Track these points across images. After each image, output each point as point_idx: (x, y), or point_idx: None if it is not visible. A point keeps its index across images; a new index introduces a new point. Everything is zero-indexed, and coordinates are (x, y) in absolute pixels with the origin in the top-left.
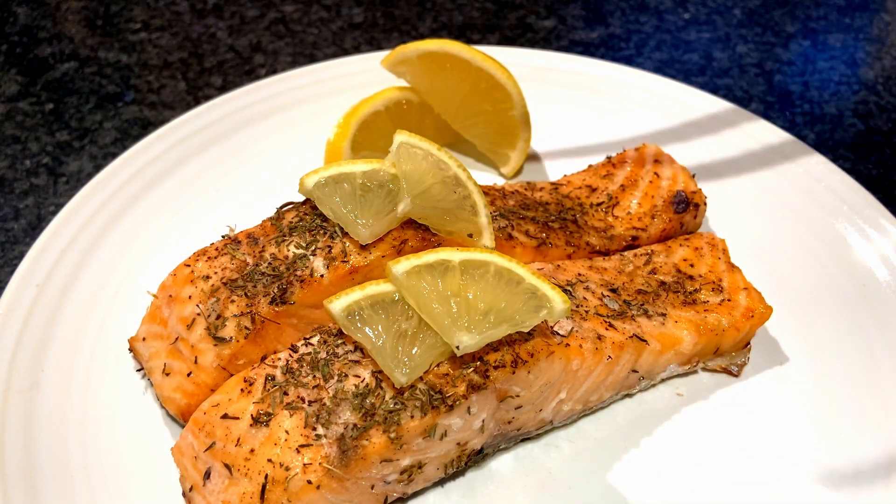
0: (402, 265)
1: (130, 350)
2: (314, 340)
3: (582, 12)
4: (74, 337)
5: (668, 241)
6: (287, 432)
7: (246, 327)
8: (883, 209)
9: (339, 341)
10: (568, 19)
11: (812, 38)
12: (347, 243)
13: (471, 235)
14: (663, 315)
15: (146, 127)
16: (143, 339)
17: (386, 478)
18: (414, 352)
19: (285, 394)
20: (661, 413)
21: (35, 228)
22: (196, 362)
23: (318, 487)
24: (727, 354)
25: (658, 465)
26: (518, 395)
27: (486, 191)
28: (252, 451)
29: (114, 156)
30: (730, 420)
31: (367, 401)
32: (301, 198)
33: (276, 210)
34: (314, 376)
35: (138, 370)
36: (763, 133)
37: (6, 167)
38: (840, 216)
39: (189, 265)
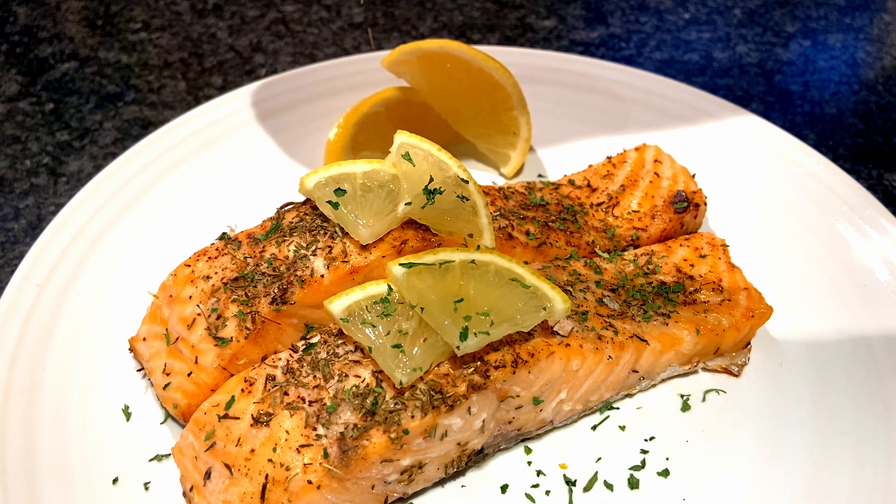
0: (402, 265)
1: (130, 350)
2: (314, 340)
3: (582, 12)
4: (74, 337)
5: (668, 241)
6: (287, 432)
7: (246, 327)
8: (883, 209)
9: (340, 341)
10: (568, 19)
11: (812, 38)
12: (348, 243)
13: (471, 235)
14: (664, 315)
15: (146, 127)
16: (144, 339)
17: (386, 478)
18: (414, 352)
19: (286, 394)
20: (661, 413)
21: (35, 228)
22: (196, 362)
23: (318, 487)
24: (727, 354)
25: (658, 465)
26: (518, 395)
27: (487, 191)
28: (252, 451)
29: (114, 156)
30: (730, 420)
31: (368, 401)
32: (301, 198)
33: (276, 210)
34: (314, 376)
35: (138, 370)
36: (763, 133)
37: (6, 167)
38: (840, 216)
39: (189, 265)
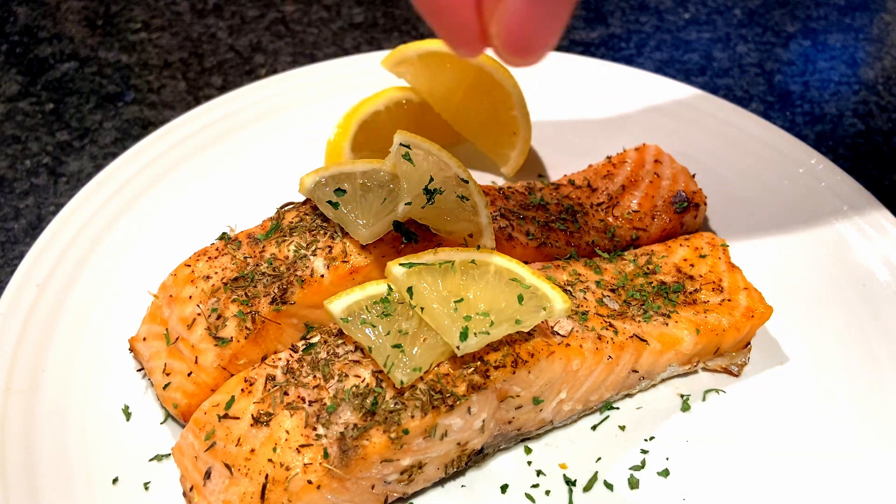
0: (402, 265)
1: (130, 350)
2: (314, 340)
3: (582, 12)
4: (74, 337)
5: (668, 241)
6: (287, 432)
7: (246, 327)
8: (883, 209)
9: (340, 341)
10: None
11: (812, 38)
12: (348, 243)
13: (471, 235)
14: (664, 315)
15: (146, 127)
16: (144, 339)
17: (386, 478)
18: (414, 352)
19: (286, 394)
20: (661, 413)
21: (35, 228)
22: (196, 362)
23: (318, 487)
24: (727, 354)
25: (658, 465)
26: (518, 395)
27: (487, 191)
28: (252, 450)
29: (114, 156)
30: (730, 420)
31: (368, 401)
32: (301, 198)
33: (276, 210)
34: (314, 376)
35: (138, 370)
36: (763, 133)
37: (6, 167)
38: (840, 216)
39: (189, 265)
